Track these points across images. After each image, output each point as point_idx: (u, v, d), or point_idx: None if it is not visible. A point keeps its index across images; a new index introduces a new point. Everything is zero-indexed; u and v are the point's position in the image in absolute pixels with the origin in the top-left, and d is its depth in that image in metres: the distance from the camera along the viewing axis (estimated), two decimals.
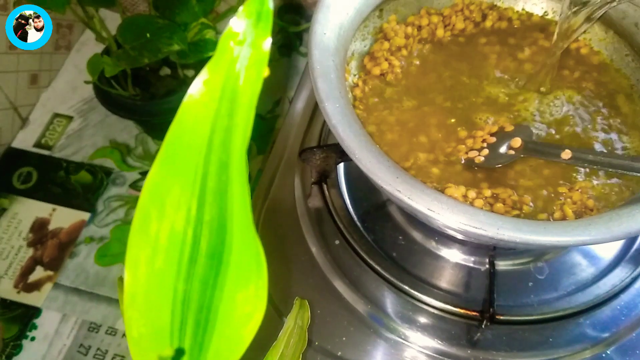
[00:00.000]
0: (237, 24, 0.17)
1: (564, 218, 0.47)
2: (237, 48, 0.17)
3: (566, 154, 0.45)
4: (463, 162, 0.50)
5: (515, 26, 0.61)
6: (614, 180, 0.49)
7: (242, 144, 0.17)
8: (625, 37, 0.56)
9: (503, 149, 0.50)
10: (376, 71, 0.57)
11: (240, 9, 0.17)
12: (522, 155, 0.49)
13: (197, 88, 0.17)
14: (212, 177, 0.18)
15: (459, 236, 0.52)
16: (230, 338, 0.20)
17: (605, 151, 0.51)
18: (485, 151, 0.50)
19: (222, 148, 0.18)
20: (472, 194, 0.48)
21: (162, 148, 0.18)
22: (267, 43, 0.17)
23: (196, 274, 0.19)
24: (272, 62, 1.09)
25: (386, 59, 0.58)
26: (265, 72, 0.17)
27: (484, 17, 0.61)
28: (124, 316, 0.20)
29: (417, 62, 0.58)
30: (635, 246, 0.57)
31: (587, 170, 0.49)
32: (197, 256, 0.19)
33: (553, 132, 0.52)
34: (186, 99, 0.17)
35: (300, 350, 0.36)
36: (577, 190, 0.48)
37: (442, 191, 0.48)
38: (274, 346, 0.36)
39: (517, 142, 0.49)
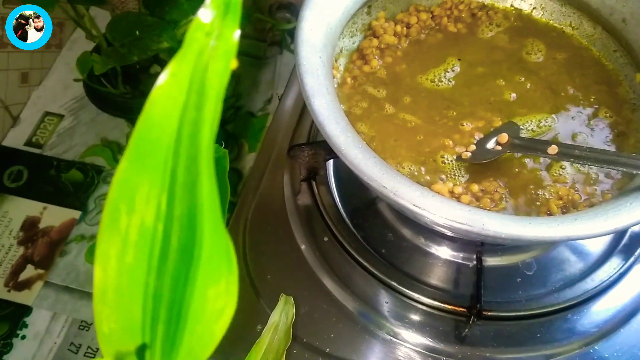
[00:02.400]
0: (205, 15, 0.17)
1: (550, 213, 0.47)
2: (205, 40, 0.17)
3: (552, 150, 0.45)
4: (451, 157, 0.50)
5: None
6: (602, 174, 0.49)
7: (211, 137, 0.17)
8: (614, 33, 0.56)
9: (490, 145, 0.50)
10: (365, 68, 0.57)
11: (208, 1, 0.17)
12: (508, 151, 0.49)
13: (165, 80, 0.17)
14: (182, 171, 0.18)
15: (447, 232, 0.52)
16: (202, 334, 0.20)
17: (591, 147, 0.51)
18: (473, 147, 0.50)
19: (191, 141, 0.17)
20: (459, 189, 0.48)
21: (131, 142, 0.18)
22: (236, 35, 0.17)
23: (167, 269, 0.19)
24: (263, 60, 1.09)
25: (375, 57, 0.58)
26: (233, 64, 0.17)
27: (474, 17, 0.61)
28: (94, 311, 0.20)
29: (406, 60, 0.58)
30: (623, 241, 0.57)
31: (575, 165, 0.49)
32: (168, 251, 0.19)
33: (541, 129, 0.52)
34: (154, 91, 0.17)
35: (284, 346, 0.36)
36: (564, 184, 0.48)
37: (429, 187, 0.48)
38: (258, 342, 0.36)
39: (504, 137, 0.49)
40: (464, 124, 0.52)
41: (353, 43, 0.59)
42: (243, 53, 1.12)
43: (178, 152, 0.18)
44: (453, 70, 0.56)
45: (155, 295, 0.20)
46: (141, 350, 0.19)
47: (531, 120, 0.53)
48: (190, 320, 0.20)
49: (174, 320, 0.20)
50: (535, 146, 0.48)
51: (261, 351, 0.36)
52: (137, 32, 0.75)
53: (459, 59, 0.57)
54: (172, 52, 0.78)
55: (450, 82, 0.56)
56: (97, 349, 0.83)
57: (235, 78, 1.09)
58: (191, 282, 0.19)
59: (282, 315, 0.38)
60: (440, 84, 0.55)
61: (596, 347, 0.52)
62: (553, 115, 0.53)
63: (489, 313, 0.52)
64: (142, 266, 0.19)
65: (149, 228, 0.19)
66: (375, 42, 0.58)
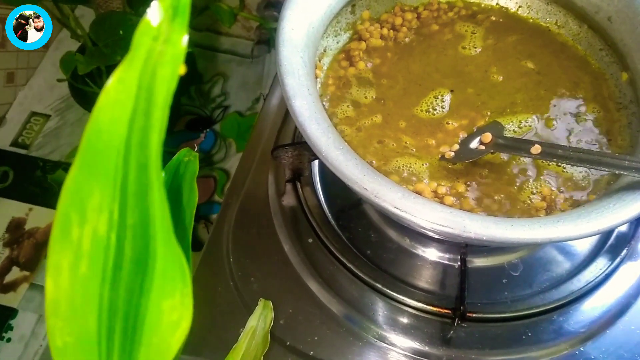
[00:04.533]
0: (154, 17, 0.16)
1: (534, 214, 0.46)
2: (152, 44, 0.16)
3: (536, 149, 0.45)
4: (435, 158, 0.50)
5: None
6: (586, 174, 0.48)
7: (159, 143, 0.17)
8: (599, 31, 0.56)
9: (474, 144, 0.49)
10: (351, 70, 0.56)
11: (155, 3, 0.16)
12: (492, 151, 0.48)
13: (112, 85, 0.16)
14: (132, 180, 0.17)
15: (431, 234, 0.52)
16: (158, 347, 0.19)
17: (574, 146, 0.50)
18: (456, 146, 0.50)
19: (140, 149, 0.17)
20: (442, 189, 0.47)
21: (80, 148, 0.17)
22: (184, 40, 0.16)
23: (122, 281, 0.19)
24: (251, 59, 1.08)
25: (362, 59, 0.57)
26: (181, 70, 0.16)
27: (460, 17, 0.61)
28: (47, 325, 0.19)
29: (392, 61, 0.57)
30: (609, 242, 0.56)
31: (559, 165, 0.49)
32: (122, 262, 0.18)
33: (521, 129, 0.52)
34: (101, 97, 0.17)
35: (262, 352, 0.36)
36: (548, 185, 0.48)
37: (412, 187, 0.47)
38: (235, 347, 0.35)
39: (487, 137, 0.48)
40: (449, 122, 0.52)
41: (337, 42, 0.58)
42: (230, 52, 1.12)
43: (128, 160, 0.17)
44: (443, 100, 0.55)
45: (110, 308, 0.19)
46: None
47: (512, 121, 0.52)
48: (146, 333, 0.19)
49: (130, 332, 0.19)
50: (519, 146, 0.47)
51: (238, 356, 0.35)
52: (120, 32, 0.74)
53: (452, 90, 0.55)
54: None
55: (444, 109, 0.54)
56: None
57: (223, 77, 1.08)
58: (146, 294, 0.19)
59: (260, 319, 0.37)
60: (434, 112, 0.54)
61: (582, 349, 0.51)
62: (534, 116, 0.53)
63: (474, 315, 0.51)
64: (96, 277, 0.19)
65: (102, 238, 0.18)
66: (363, 45, 0.58)
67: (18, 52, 1.07)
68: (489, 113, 0.53)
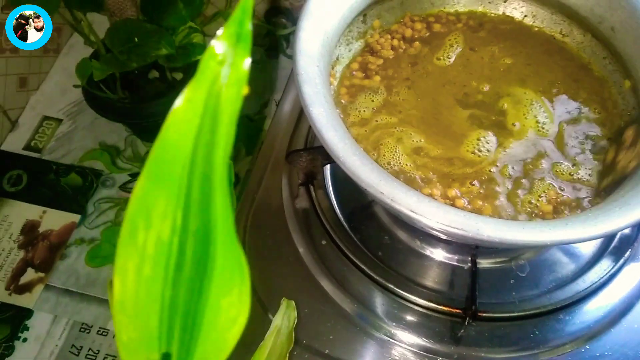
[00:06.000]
0: (218, 45, 0.18)
1: (540, 216, 0.48)
2: (217, 68, 0.18)
3: None
4: (449, 165, 0.51)
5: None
6: (592, 178, 0.50)
7: (224, 158, 0.18)
8: (603, 40, 0.58)
9: None
10: (365, 82, 0.58)
11: (220, 31, 0.18)
12: None
13: (180, 105, 0.18)
14: (196, 190, 0.19)
15: (442, 236, 0.54)
16: (216, 342, 0.21)
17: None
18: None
19: (205, 162, 0.19)
20: (452, 192, 0.49)
21: (148, 161, 0.19)
22: (247, 63, 0.18)
23: (182, 281, 0.21)
24: (260, 65, 1.10)
25: (377, 73, 0.59)
26: (245, 90, 0.18)
27: (469, 27, 0.62)
28: (114, 321, 0.21)
29: (403, 76, 0.59)
30: (613, 244, 0.58)
31: (567, 167, 0.51)
32: (183, 264, 0.20)
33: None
34: (170, 115, 0.18)
35: (287, 349, 0.38)
36: (554, 187, 0.50)
37: (421, 190, 0.49)
38: (261, 346, 0.37)
39: None
40: (462, 131, 0.54)
41: (349, 51, 0.60)
42: None
43: (193, 172, 0.19)
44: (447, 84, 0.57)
45: (171, 306, 0.21)
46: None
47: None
48: (204, 328, 0.21)
49: (189, 329, 0.21)
50: None
51: (264, 354, 0.37)
52: (135, 39, 0.76)
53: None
54: (170, 58, 0.80)
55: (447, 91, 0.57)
56: (98, 350, 0.84)
57: None
58: (205, 292, 0.21)
59: (284, 319, 0.39)
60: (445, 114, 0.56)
61: (588, 347, 0.53)
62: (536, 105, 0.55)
63: (484, 314, 0.53)
64: (158, 278, 0.20)
65: (165, 242, 0.20)
66: (380, 61, 0.59)
67: (30, 57, 1.08)
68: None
